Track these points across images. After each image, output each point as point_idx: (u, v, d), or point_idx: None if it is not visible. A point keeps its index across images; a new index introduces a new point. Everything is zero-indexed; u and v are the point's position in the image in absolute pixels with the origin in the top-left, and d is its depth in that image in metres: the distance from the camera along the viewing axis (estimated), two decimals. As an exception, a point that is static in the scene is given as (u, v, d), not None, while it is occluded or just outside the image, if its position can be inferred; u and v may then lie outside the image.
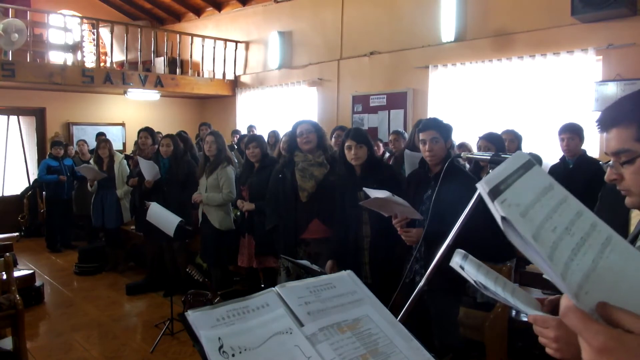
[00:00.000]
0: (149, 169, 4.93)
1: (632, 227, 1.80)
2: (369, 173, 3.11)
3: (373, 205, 2.60)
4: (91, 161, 6.42)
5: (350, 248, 3.19)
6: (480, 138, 3.61)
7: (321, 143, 3.51)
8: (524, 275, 4.32)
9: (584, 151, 3.79)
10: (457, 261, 1.11)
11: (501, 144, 3.51)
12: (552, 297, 1.23)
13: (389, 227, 3.01)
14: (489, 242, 2.63)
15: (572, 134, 3.71)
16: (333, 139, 4.88)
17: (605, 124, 1.10)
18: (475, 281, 1.07)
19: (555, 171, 3.90)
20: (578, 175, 3.59)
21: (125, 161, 6.19)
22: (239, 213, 4.55)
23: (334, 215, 3.32)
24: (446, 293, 2.60)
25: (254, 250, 4.25)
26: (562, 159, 3.84)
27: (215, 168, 4.57)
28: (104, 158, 6.03)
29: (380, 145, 5.96)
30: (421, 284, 1.51)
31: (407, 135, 5.12)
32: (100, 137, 8.20)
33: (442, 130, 2.67)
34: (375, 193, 2.54)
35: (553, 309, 1.19)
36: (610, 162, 1.12)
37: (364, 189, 2.65)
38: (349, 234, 3.17)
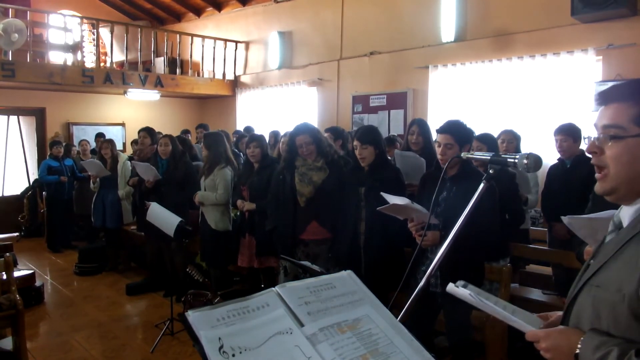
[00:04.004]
0: (145, 171, 4.93)
1: None
2: (375, 173, 3.13)
3: (390, 210, 2.62)
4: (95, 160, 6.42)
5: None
6: (474, 138, 3.62)
7: (321, 150, 3.50)
8: (524, 275, 4.32)
9: (582, 151, 3.80)
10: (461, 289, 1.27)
11: (494, 144, 3.52)
12: (552, 319, 1.27)
13: (385, 226, 3.03)
14: (490, 238, 2.63)
15: (565, 135, 3.74)
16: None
17: (608, 97, 1.09)
18: (478, 299, 1.23)
19: (553, 171, 3.93)
20: (575, 174, 3.64)
21: (128, 162, 6.20)
22: (238, 213, 4.56)
23: (337, 215, 3.34)
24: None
25: (254, 250, 4.26)
26: (560, 159, 3.88)
27: (212, 169, 4.59)
28: (106, 158, 6.03)
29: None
30: (422, 283, 1.51)
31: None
32: (100, 137, 8.24)
33: (459, 136, 2.63)
34: (394, 199, 2.55)
35: (553, 325, 1.23)
36: (595, 135, 1.10)
37: (382, 194, 2.66)
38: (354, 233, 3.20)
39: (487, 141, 3.47)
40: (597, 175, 1.11)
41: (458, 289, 1.25)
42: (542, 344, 1.11)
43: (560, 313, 1.28)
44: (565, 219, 2.00)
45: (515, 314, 1.22)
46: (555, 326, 1.25)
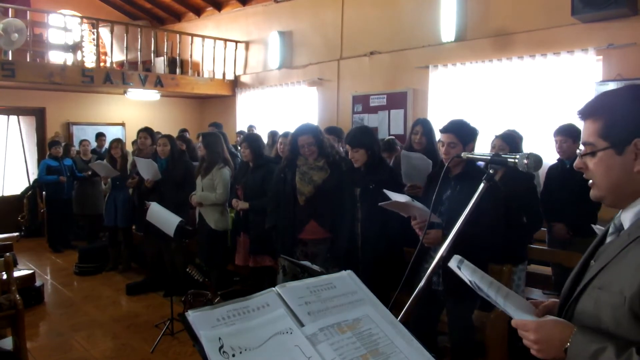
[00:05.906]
0: (147, 168, 4.92)
1: None
2: (370, 173, 3.15)
3: (392, 206, 2.62)
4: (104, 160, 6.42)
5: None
6: (497, 137, 3.62)
7: (322, 150, 3.52)
8: (526, 275, 4.31)
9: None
10: (454, 263, 1.28)
11: (515, 144, 3.53)
12: (546, 303, 1.26)
13: (382, 226, 3.03)
14: (493, 240, 2.63)
15: (565, 136, 3.74)
16: None
17: (582, 114, 1.16)
18: (470, 281, 1.23)
19: (552, 171, 3.94)
20: (574, 175, 3.63)
21: None
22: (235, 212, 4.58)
23: (336, 215, 3.35)
24: (463, 295, 2.62)
25: (249, 248, 4.28)
26: (560, 160, 3.89)
27: (210, 169, 4.59)
28: (117, 158, 6.02)
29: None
30: (422, 282, 1.51)
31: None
32: (101, 137, 8.24)
33: (462, 135, 2.63)
34: (395, 196, 2.56)
35: (546, 313, 1.21)
36: (579, 151, 1.18)
37: (384, 190, 2.66)
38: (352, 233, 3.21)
39: (510, 141, 3.48)
40: (589, 184, 1.18)
41: (459, 271, 1.27)
42: (531, 335, 1.07)
43: (548, 302, 1.28)
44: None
45: (508, 298, 1.19)
46: (552, 314, 1.23)
